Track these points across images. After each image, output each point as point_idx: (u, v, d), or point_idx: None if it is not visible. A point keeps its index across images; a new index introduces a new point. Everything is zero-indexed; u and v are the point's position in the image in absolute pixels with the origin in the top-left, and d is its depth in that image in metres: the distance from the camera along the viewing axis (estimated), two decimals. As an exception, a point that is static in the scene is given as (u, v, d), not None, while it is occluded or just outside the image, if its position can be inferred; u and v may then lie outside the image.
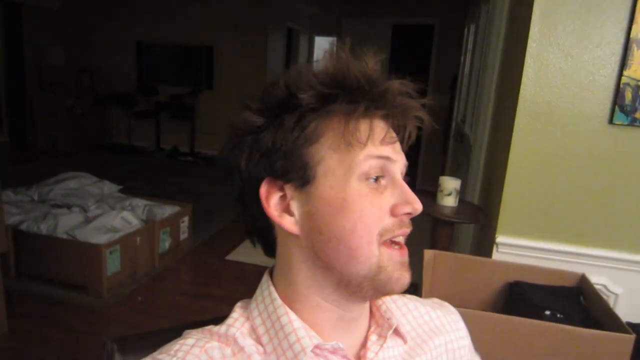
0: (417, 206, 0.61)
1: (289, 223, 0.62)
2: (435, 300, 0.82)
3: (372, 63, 0.62)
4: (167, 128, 7.79)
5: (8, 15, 7.12)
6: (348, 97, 0.60)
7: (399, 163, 0.63)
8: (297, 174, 0.60)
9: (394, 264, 0.60)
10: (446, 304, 0.82)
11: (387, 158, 0.61)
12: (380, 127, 0.61)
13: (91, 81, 7.74)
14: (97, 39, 7.83)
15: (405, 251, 0.63)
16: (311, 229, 0.61)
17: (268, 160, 0.61)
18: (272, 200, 0.62)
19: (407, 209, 0.61)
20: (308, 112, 0.60)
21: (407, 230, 0.62)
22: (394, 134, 0.63)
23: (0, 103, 7.47)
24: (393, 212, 0.60)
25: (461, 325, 0.79)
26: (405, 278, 0.61)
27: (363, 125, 0.60)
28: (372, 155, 0.59)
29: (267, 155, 0.61)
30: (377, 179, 0.60)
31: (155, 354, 0.60)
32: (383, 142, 0.60)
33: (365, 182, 0.59)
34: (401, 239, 0.62)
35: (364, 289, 0.61)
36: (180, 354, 0.59)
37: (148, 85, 7.75)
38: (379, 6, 6.57)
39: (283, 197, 0.62)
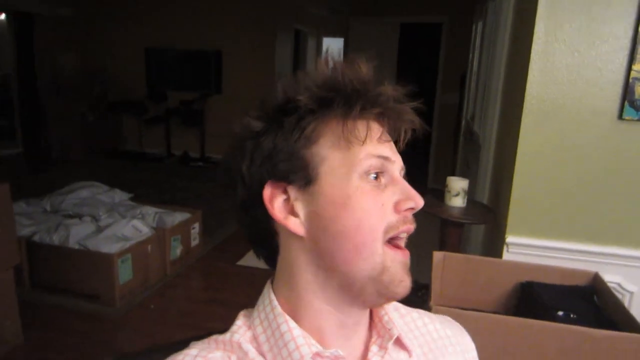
0: (419, 201, 0.62)
1: (294, 224, 0.62)
2: (447, 318, 0.81)
3: (365, 68, 0.63)
4: (177, 134, 7.81)
5: (20, 24, 7.19)
6: (344, 99, 0.61)
7: (397, 163, 0.64)
8: (299, 174, 0.61)
9: (397, 264, 0.61)
10: (457, 324, 0.81)
11: (386, 158, 0.62)
12: (376, 127, 0.63)
13: (102, 88, 7.79)
14: (106, 46, 7.87)
15: (407, 254, 0.63)
16: (317, 227, 0.61)
17: (270, 163, 0.62)
18: (276, 203, 0.63)
19: (410, 204, 0.62)
20: (307, 113, 0.62)
21: (412, 227, 0.63)
22: (388, 135, 0.65)
23: (14, 113, 7.54)
24: (396, 209, 0.61)
25: (473, 347, 0.79)
26: (407, 281, 0.62)
27: (360, 125, 0.62)
28: (372, 154, 0.61)
29: (269, 158, 0.62)
30: (377, 177, 0.62)
31: None
32: (380, 139, 0.62)
33: (366, 179, 0.61)
34: (404, 237, 0.63)
35: (366, 292, 0.61)
36: None
37: (157, 91, 7.78)
38: (386, 5, 6.54)
39: (287, 200, 0.63)
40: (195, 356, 0.61)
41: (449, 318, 0.81)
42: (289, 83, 0.64)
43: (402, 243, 0.63)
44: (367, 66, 0.63)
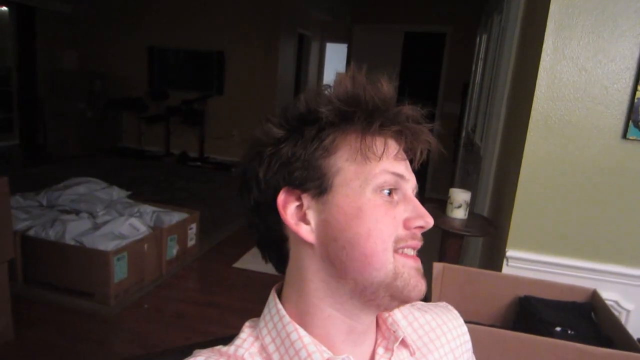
0: (429, 220, 0.64)
1: (305, 231, 0.63)
2: (441, 304, 0.83)
3: (386, 86, 0.65)
4: (177, 133, 7.83)
5: (21, 19, 7.17)
6: (364, 114, 0.62)
7: (411, 182, 0.65)
8: (314, 183, 0.62)
9: (410, 269, 0.62)
10: (451, 307, 0.83)
11: (401, 176, 0.63)
12: (393, 145, 0.64)
13: (102, 85, 7.78)
14: (109, 44, 7.90)
15: (418, 260, 0.64)
16: (326, 236, 0.62)
17: (287, 170, 0.63)
18: (289, 209, 0.64)
19: (420, 222, 0.63)
20: (327, 125, 0.63)
21: (419, 243, 0.64)
22: (404, 154, 0.66)
23: (13, 106, 7.52)
24: (406, 225, 0.62)
25: (465, 329, 0.81)
26: (422, 285, 0.63)
27: (379, 141, 0.63)
28: (388, 170, 0.62)
29: (286, 165, 0.63)
30: (390, 193, 0.62)
31: None
32: (396, 157, 0.64)
33: (379, 194, 0.61)
34: (412, 252, 0.64)
35: (379, 296, 0.62)
36: None
37: (159, 89, 7.80)
38: (390, 13, 6.57)
39: (299, 207, 0.64)
40: None
41: (443, 304, 0.83)
42: (312, 95, 0.65)
43: (412, 252, 0.64)
44: (389, 85, 0.65)
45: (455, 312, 0.82)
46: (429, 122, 0.67)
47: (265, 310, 0.68)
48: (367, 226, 0.60)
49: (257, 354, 0.64)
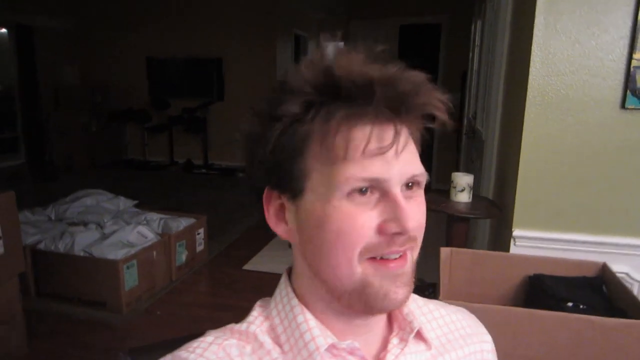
0: (408, 225, 0.54)
1: (282, 231, 0.63)
2: (463, 310, 0.79)
3: (359, 62, 0.56)
4: (180, 141, 7.85)
5: (20, 38, 7.22)
6: (327, 105, 0.56)
7: (394, 179, 0.55)
8: (288, 186, 0.59)
9: (382, 278, 0.56)
10: (473, 315, 0.79)
11: (374, 180, 0.54)
12: (361, 137, 0.54)
13: (104, 98, 7.82)
14: (107, 57, 7.93)
15: (400, 263, 0.57)
16: (302, 240, 0.61)
17: (265, 170, 0.61)
18: (271, 208, 0.63)
19: (395, 229, 0.54)
20: (293, 123, 0.57)
21: (399, 249, 0.56)
22: (385, 142, 0.54)
23: (17, 125, 7.57)
24: (380, 230, 0.55)
25: (488, 338, 0.77)
26: (396, 294, 0.57)
27: (339, 136, 0.55)
28: (356, 176, 0.54)
29: (263, 166, 0.61)
30: (366, 191, 0.55)
31: (176, 352, 0.61)
32: (365, 154, 0.54)
33: (348, 198, 0.55)
34: (394, 255, 0.57)
35: (354, 304, 0.59)
36: (198, 350, 0.60)
37: (160, 99, 7.82)
38: (385, 7, 6.56)
39: (282, 205, 0.62)
40: (211, 343, 0.61)
41: (464, 310, 0.79)
42: (281, 84, 0.59)
43: (392, 257, 0.57)
44: (363, 56, 0.57)
45: (478, 320, 0.78)
46: (428, 87, 0.58)
47: (277, 291, 0.67)
48: (330, 237, 0.56)
49: (266, 332, 0.63)
